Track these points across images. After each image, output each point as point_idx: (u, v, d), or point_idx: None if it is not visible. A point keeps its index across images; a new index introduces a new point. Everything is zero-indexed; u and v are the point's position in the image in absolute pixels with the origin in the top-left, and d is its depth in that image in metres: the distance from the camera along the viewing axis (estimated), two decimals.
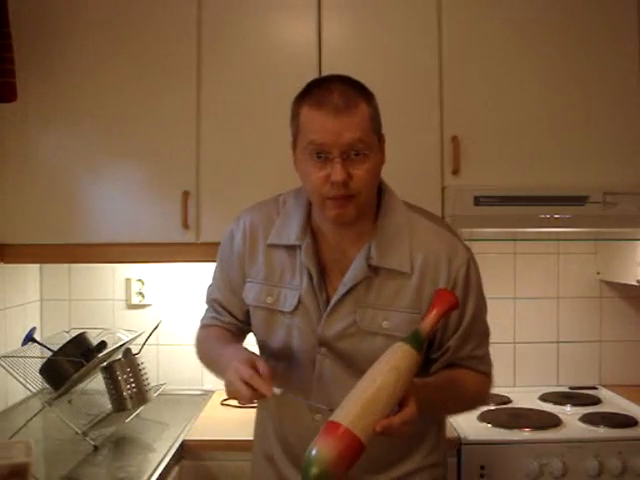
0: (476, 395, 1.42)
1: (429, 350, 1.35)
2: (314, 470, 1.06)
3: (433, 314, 1.17)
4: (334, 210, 1.26)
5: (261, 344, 1.46)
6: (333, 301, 1.33)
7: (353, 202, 1.26)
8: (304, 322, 1.36)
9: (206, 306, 1.54)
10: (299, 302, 1.35)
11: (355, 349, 1.33)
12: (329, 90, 1.24)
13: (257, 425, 1.55)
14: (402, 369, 1.12)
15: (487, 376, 1.41)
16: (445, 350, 1.35)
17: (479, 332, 1.39)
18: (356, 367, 1.29)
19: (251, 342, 1.47)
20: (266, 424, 1.49)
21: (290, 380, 1.37)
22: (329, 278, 1.36)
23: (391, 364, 1.13)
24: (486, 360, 1.41)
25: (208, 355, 1.45)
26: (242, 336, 1.50)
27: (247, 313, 1.45)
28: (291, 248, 1.37)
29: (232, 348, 1.39)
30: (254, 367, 1.20)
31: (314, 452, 1.07)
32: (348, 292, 1.32)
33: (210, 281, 1.52)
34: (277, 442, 1.46)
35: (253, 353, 1.29)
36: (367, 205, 1.32)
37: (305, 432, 1.35)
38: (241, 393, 1.18)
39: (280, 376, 1.31)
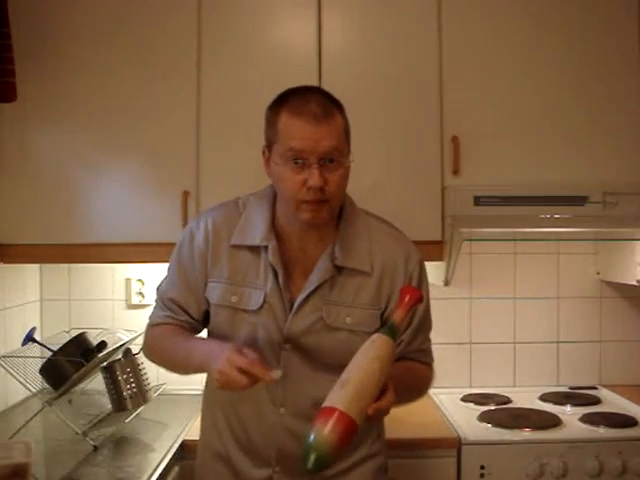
0: (424, 385, 1.53)
1: None
2: (313, 456, 1.11)
3: (403, 307, 1.27)
4: (309, 213, 1.34)
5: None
6: (300, 298, 1.41)
7: (326, 206, 1.34)
8: (269, 320, 1.42)
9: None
10: (264, 301, 1.42)
11: (319, 344, 1.42)
12: (306, 99, 1.32)
13: (204, 422, 1.56)
14: (384, 357, 1.21)
15: (431, 367, 1.54)
16: (399, 344, 1.42)
17: (427, 327, 1.52)
18: (319, 361, 1.40)
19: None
20: (217, 421, 1.50)
21: None
22: (292, 278, 1.43)
23: (374, 353, 1.21)
24: (430, 353, 1.54)
25: (170, 352, 1.45)
26: (196, 334, 1.52)
27: (204, 313, 1.49)
28: (255, 249, 1.43)
29: (204, 341, 1.45)
30: (244, 355, 1.24)
31: (312, 438, 1.12)
32: (314, 290, 1.41)
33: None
34: (233, 440, 1.47)
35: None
36: (336, 209, 1.40)
37: (269, 427, 1.43)
38: (238, 382, 1.21)
39: None
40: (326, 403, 1.16)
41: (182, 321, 1.48)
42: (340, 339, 1.41)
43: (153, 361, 1.54)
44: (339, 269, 1.42)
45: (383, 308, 1.44)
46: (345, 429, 1.12)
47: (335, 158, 1.32)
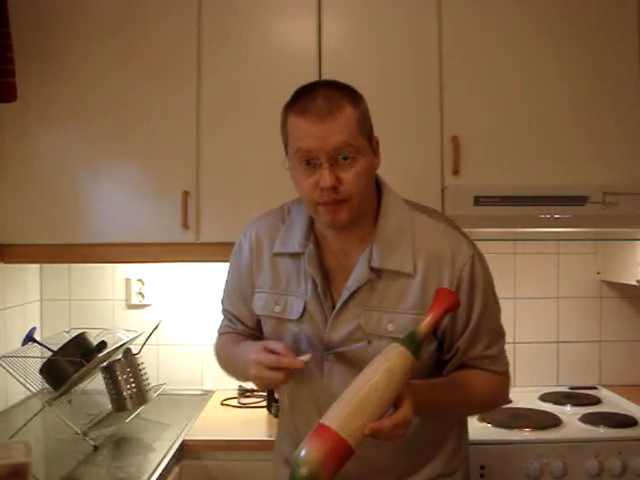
0: (489, 395, 1.39)
1: (440, 352, 1.35)
2: (302, 471, 1.07)
3: (431, 314, 1.17)
4: (327, 215, 1.26)
5: None
6: (337, 306, 1.32)
7: (345, 206, 1.25)
8: (311, 329, 1.35)
9: (221, 316, 1.55)
10: (305, 309, 1.35)
11: (362, 353, 1.29)
12: (312, 96, 1.24)
13: (279, 428, 1.55)
14: (395, 371, 1.12)
15: (502, 375, 1.39)
16: (455, 351, 1.33)
17: (489, 331, 1.37)
18: (360, 367, 1.27)
19: None
20: (285, 426, 1.49)
21: (299, 387, 1.38)
22: (334, 283, 1.35)
23: (384, 366, 1.13)
24: (500, 359, 1.39)
25: (227, 361, 1.47)
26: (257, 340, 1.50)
27: (259, 322, 1.46)
28: (295, 256, 1.37)
29: (242, 347, 1.41)
30: (270, 351, 1.23)
31: (302, 453, 1.09)
32: (352, 296, 1.31)
33: (221, 288, 1.54)
34: (292, 445, 1.43)
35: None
36: (363, 208, 1.30)
37: None
38: (275, 380, 1.21)
39: (290, 384, 1.32)
40: (322, 419, 1.11)
41: (240, 331, 1.49)
42: (382, 348, 1.22)
43: (225, 371, 1.51)
44: (378, 272, 1.30)
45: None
46: (334, 450, 1.07)
47: (348, 155, 1.22)
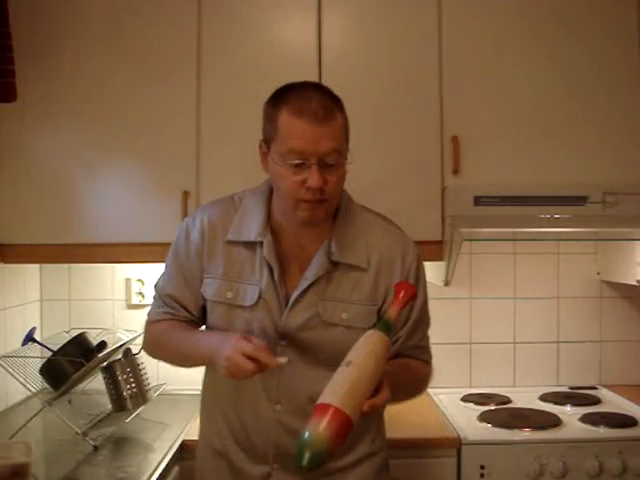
0: (421, 382, 1.52)
1: None
2: (308, 453, 1.10)
3: (399, 302, 1.27)
4: (306, 212, 1.34)
5: None
6: (296, 294, 1.40)
7: (324, 206, 1.35)
8: (264, 316, 1.41)
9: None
10: (259, 297, 1.41)
11: (316, 340, 1.41)
12: (306, 98, 1.31)
13: (203, 418, 1.56)
14: (379, 354, 1.20)
15: (429, 364, 1.53)
16: (395, 340, 1.41)
17: (425, 323, 1.51)
18: (316, 357, 1.40)
19: None
20: (215, 417, 1.51)
21: None
22: (288, 273, 1.43)
23: (368, 349, 1.21)
24: (428, 350, 1.53)
25: (174, 346, 1.47)
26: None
27: (202, 308, 1.49)
28: (250, 245, 1.43)
29: (208, 333, 1.46)
30: (250, 341, 1.26)
31: (307, 435, 1.11)
32: (310, 286, 1.40)
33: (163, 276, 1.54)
34: (230, 436, 1.48)
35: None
36: (333, 208, 1.41)
37: (266, 424, 1.43)
38: (245, 368, 1.23)
39: None
40: (321, 400, 1.15)
41: (182, 317, 1.49)
42: (336, 335, 1.40)
43: (155, 356, 1.56)
44: (335, 265, 1.41)
45: (380, 304, 1.43)
46: (340, 426, 1.11)
47: (335, 159, 1.31)
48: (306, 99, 1.30)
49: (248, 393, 1.43)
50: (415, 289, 1.31)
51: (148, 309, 1.57)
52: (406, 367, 1.45)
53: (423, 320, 1.49)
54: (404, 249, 1.45)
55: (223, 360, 1.26)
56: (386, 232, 1.47)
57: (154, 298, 1.54)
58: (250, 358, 1.23)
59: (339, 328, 1.41)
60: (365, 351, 1.20)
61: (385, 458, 1.54)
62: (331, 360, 1.27)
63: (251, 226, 1.43)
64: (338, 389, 1.15)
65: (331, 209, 1.39)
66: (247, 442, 1.46)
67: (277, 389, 1.42)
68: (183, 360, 1.50)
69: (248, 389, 1.42)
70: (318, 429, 1.10)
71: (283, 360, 1.26)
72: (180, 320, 1.49)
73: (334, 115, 1.31)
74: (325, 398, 1.15)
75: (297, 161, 1.29)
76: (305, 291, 1.40)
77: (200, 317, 1.51)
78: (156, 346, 1.53)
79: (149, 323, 1.54)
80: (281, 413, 1.42)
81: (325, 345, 1.41)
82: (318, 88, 1.37)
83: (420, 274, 1.47)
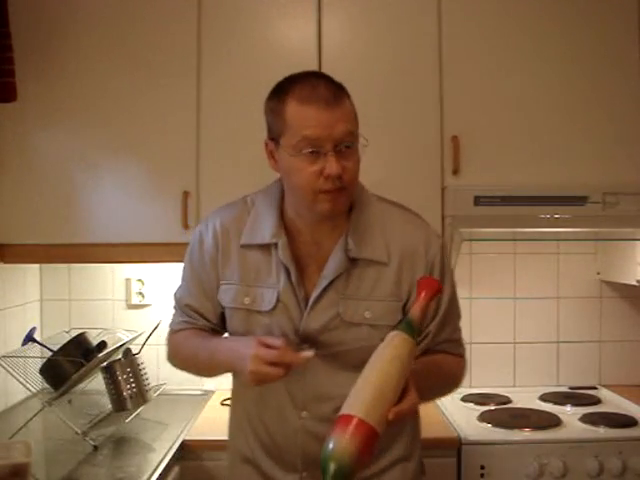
0: (455, 378, 1.45)
1: None
2: (333, 466, 1.04)
3: (421, 300, 1.19)
4: (327, 203, 1.27)
5: None
6: (314, 295, 1.34)
7: (344, 194, 1.28)
8: (284, 320, 1.35)
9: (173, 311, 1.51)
10: (278, 300, 1.35)
11: (339, 341, 1.33)
12: (313, 85, 1.26)
13: (232, 425, 1.51)
14: (403, 357, 1.14)
15: (463, 358, 1.47)
16: (425, 336, 1.36)
17: (455, 315, 1.44)
18: (341, 360, 1.33)
19: None
20: (243, 425, 1.46)
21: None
22: (306, 273, 1.37)
23: (392, 353, 1.14)
24: (462, 342, 1.46)
25: (193, 355, 1.42)
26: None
27: (221, 316, 1.44)
28: (265, 247, 1.37)
29: (226, 340, 1.40)
30: (267, 346, 1.21)
31: (330, 447, 1.06)
32: (329, 285, 1.33)
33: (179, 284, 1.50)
34: (258, 444, 1.43)
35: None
36: (352, 197, 1.34)
37: (292, 432, 1.37)
38: (271, 375, 1.19)
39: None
40: (344, 410, 1.09)
41: (201, 326, 1.45)
42: (361, 335, 1.32)
43: (178, 367, 1.50)
44: (354, 261, 1.33)
45: (405, 299, 1.35)
46: (365, 437, 1.05)
47: (350, 143, 1.25)
48: (313, 86, 1.25)
49: (273, 400, 1.37)
50: (439, 284, 1.23)
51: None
52: (436, 364, 1.38)
53: (453, 313, 1.42)
54: (427, 240, 1.37)
55: (248, 374, 1.21)
56: (405, 222, 1.39)
57: (174, 308, 1.50)
58: (275, 363, 1.19)
59: (363, 327, 1.33)
60: (388, 355, 1.14)
61: (420, 462, 1.48)
62: (358, 362, 1.18)
63: (265, 228, 1.37)
64: (362, 398, 1.10)
65: (350, 198, 1.32)
66: (275, 450, 1.40)
67: (302, 395, 1.36)
68: (202, 370, 1.46)
69: (273, 395, 1.37)
70: (342, 442, 1.05)
71: (309, 354, 1.20)
72: (200, 328, 1.44)
73: (343, 98, 1.26)
74: (348, 408, 1.09)
75: (312, 149, 1.23)
76: (324, 290, 1.33)
77: (220, 324, 1.45)
78: (177, 356, 1.48)
79: (170, 334, 1.50)
80: (307, 420, 1.36)
81: (349, 346, 1.33)
82: (320, 75, 1.33)
83: (445, 265, 1.39)
